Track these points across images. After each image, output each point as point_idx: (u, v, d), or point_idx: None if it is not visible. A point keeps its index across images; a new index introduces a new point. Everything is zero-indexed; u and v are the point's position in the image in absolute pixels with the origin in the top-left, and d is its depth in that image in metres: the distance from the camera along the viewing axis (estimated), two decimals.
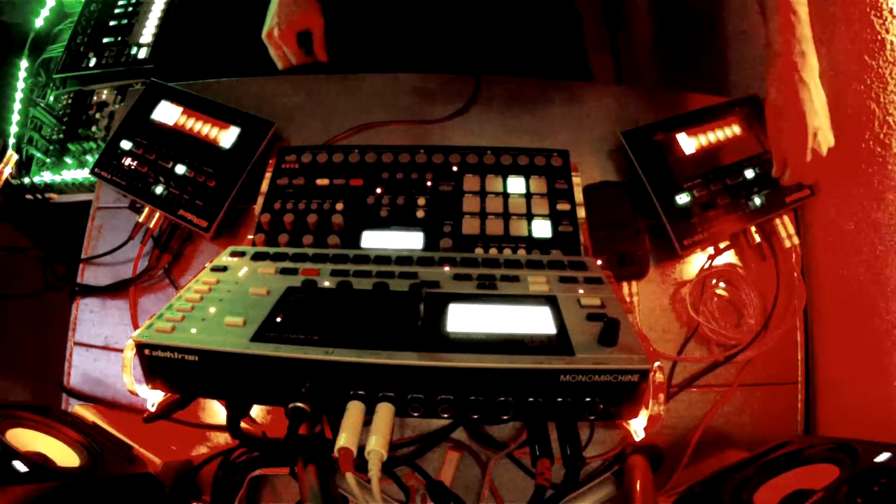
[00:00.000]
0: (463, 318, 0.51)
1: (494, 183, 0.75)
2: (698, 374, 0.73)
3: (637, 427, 0.50)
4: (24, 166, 1.00)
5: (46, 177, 0.98)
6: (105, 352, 0.79)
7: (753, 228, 0.74)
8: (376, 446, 0.42)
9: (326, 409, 0.49)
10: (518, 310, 0.52)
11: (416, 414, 0.46)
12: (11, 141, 1.01)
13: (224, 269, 0.60)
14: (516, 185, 0.75)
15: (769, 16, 0.65)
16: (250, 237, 0.72)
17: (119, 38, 0.97)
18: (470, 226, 0.71)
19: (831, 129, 0.66)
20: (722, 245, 0.76)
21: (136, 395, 0.50)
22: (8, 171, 0.89)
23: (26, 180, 0.97)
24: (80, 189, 0.98)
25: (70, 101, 1.01)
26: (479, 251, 0.68)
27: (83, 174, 0.96)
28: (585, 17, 1.07)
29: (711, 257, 0.75)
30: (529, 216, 0.71)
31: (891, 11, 0.63)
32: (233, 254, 0.64)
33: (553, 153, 0.77)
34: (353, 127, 0.85)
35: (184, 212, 0.76)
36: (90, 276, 0.82)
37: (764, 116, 0.76)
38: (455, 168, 0.76)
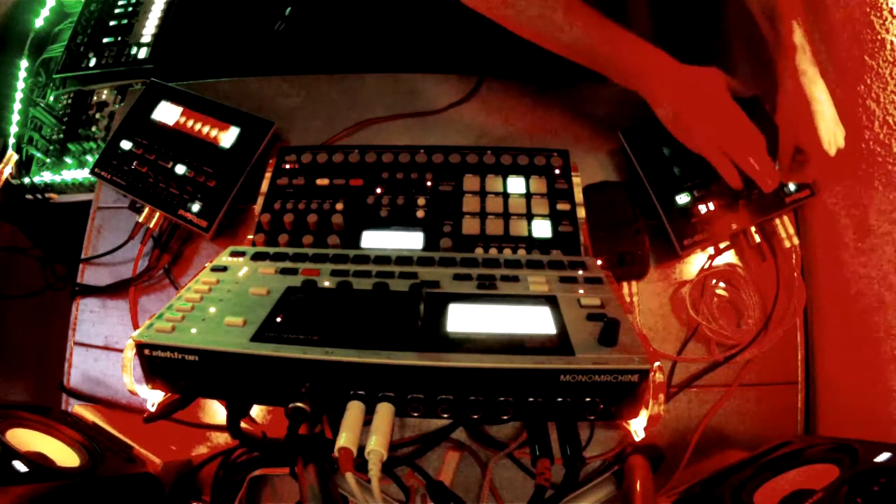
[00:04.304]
0: (463, 319, 0.51)
1: (494, 183, 0.75)
2: (698, 374, 0.73)
3: (637, 427, 0.50)
4: (24, 166, 1.00)
5: (46, 177, 0.98)
6: (105, 352, 0.79)
7: (753, 228, 0.74)
8: (376, 446, 0.42)
9: (326, 409, 0.49)
10: (518, 310, 0.52)
11: (416, 414, 0.46)
12: (11, 141, 1.01)
13: (224, 269, 0.60)
14: (516, 185, 0.75)
15: (778, 22, 0.68)
16: (250, 237, 0.72)
17: (119, 38, 0.97)
18: (470, 226, 0.71)
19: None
20: (722, 245, 0.76)
21: (136, 395, 0.50)
22: (8, 171, 0.89)
23: (26, 180, 0.97)
24: (80, 189, 0.97)
25: (70, 101, 1.01)
26: (479, 251, 0.68)
27: (83, 174, 0.96)
28: None
29: (711, 257, 0.75)
30: (529, 216, 0.71)
31: (891, 11, 0.63)
32: (233, 254, 0.64)
33: (553, 153, 0.77)
34: (353, 125, 0.85)
35: (184, 212, 0.77)
36: (90, 276, 0.82)
37: (762, 116, 0.76)
38: (455, 168, 0.76)
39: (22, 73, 1.03)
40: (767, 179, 0.65)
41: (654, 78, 0.67)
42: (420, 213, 0.72)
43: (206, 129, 0.81)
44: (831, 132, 0.64)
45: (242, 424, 0.53)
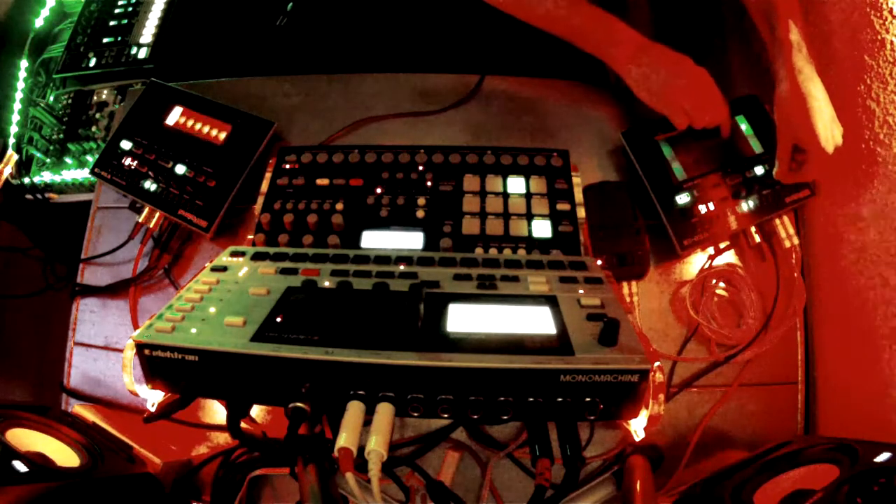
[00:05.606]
0: (463, 319, 0.51)
1: (494, 183, 0.75)
2: (698, 374, 0.73)
3: (637, 427, 0.50)
4: (24, 166, 1.00)
5: (46, 177, 0.98)
6: (105, 352, 0.79)
7: (753, 228, 0.74)
8: (376, 446, 0.43)
9: (326, 409, 0.49)
10: (518, 310, 0.52)
11: (416, 414, 0.46)
12: (11, 141, 1.01)
13: (224, 269, 0.60)
14: (516, 185, 0.75)
15: (775, 20, 0.68)
16: (250, 237, 0.72)
17: (119, 38, 0.97)
18: (470, 226, 0.71)
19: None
20: (722, 245, 0.76)
21: (136, 395, 0.50)
22: (8, 171, 0.89)
23: (26, 180, 0.97)
24: (80, 189, 0.97)
25: (70, 101, 1.01)
26: (479, 251, 0.68)
27: (83, 174, 0.96)
28: None
29: (711, 257, 0.75)
30: (529, 216, 0.71)
31: (891, 11, 0.63)
32: (233, 254, 0.64)
33: (553, 153, 0.77)
34: (352, 123, 0.85)
35: (184, 212, 0.77)
36: (90, 276, 0.82)
37: (762, 117, 0.76)
38: (455, 168, 0.76)
39: (22, 73, 1.03)
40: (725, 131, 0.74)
41: (625, 46, 0.72)
42: (420, 213, 0.72)
43: (205, 129, 0.81)
44: (829, 130, 0.64)
45: (242, 424, 0.53)
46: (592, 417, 0.46)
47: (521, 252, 0.68)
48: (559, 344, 0.47)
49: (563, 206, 0.72)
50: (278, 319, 0.50)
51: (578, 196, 0.73)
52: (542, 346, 0.47)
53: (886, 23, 0.64)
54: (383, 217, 0.72)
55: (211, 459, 0.69)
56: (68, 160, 0.99)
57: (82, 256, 0.83)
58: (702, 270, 0.75)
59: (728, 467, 0.57)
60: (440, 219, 0.72)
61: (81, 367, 0.79)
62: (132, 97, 0.88)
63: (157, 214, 0.78)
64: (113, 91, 1.00)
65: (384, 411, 0.45)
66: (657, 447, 0.63)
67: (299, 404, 0.46)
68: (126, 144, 0.81)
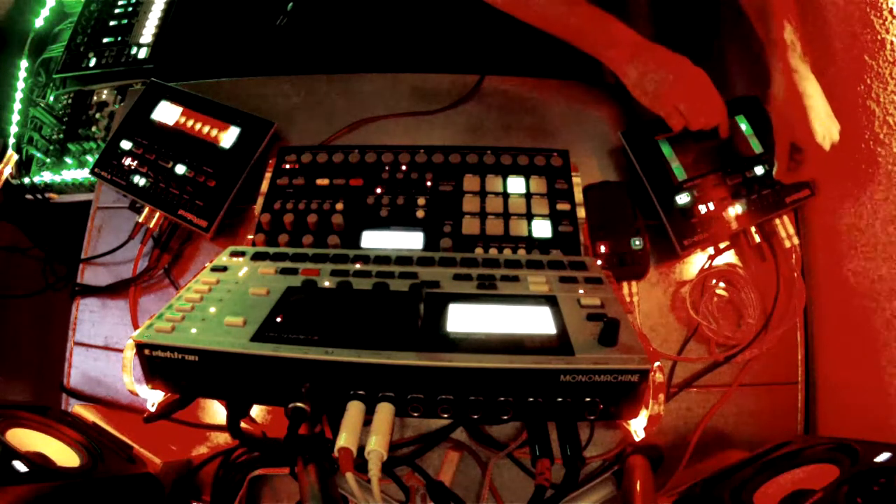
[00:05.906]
0: (463, 319, 0.51)
1: (494, 183, 0.75)
2: (698, 374, 0.73)
3: (637, 427, 0.50)
4: (24, 166, 1.00)
5: (46, 177, 0.98)
6: (105, 352, 0.79)
7: (753, 228, 0.74)
8: (376, 446, 0.43)
9: (326, 409, 0.49)
10: (518, 310, 0.52)
11: (416, 414, 0.46)
12: (11, 141, 1.01)
13: (224, 269, 0.60)
14: (516, 185, 0.75)
15: (770, 20, 0.68)
16: (250, 237, 0.72)
17: (119, 38, 0.97)
18: (470, 226, 0.71)
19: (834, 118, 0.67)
20: (722, 245, 0.76)
21: (136, 395, 0.50)
22: (8, 171, 0.89)
23: (26, 180, 0.97)
24: (80, 189, 0.98)
25: (70, 101, 1.01)
26: (479, 251, 0.68)
27: (83, 174, 0.96)
28: None
29: (711, 257, 0.75)
30: (529, 216, 0.71)
31: (891, 11, 0.63)
32: (233, 254, 0.64)
33: (553, 153, 0.77)
34: (352, 123, 0.85)
35: (184, 212, 0.77)
36: (90, 276, 0.82)
37: (762, 117, 0.76)
38: (455, 168, 0.76)
39: (22, 73, 1.03)
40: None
41: (622, 47, 0.71)
42: (420, 213, 0.72)
43: (206, 129, 0.81)
44: (825, 127, 0.64)
45: (242, 424, 0.53)
46: (592, 417, 0.46)
47: (521, 252, 0.68)
48: (559, 344, 0.47)
49: (563, 206, 0.72)
50: (278, 319, 0.50)
51: (578, 196, 0.73)
52: (542, 346, 0.47)
53: (886, 23, 0.64)
54: (383, 217, 0.72)
55: (211, 459, 0.69)
56: (68, 160, 0.99)
57: (82, 256, 0.83)
58: (702, 270, 0.75)
59: (728, 467, 0.57)
60: (440, 219, 0.72)
61: (81, 367, 0.79)
62: (132, 97, 0.88)
63: (157, 214, 0.79)
64: (113, 91, 1.00)
65: (384, 411, 0.45)
66: (657, 447, 0.63)
67: (299, 404, 0.46)
68: (126, 144, 0.81)
